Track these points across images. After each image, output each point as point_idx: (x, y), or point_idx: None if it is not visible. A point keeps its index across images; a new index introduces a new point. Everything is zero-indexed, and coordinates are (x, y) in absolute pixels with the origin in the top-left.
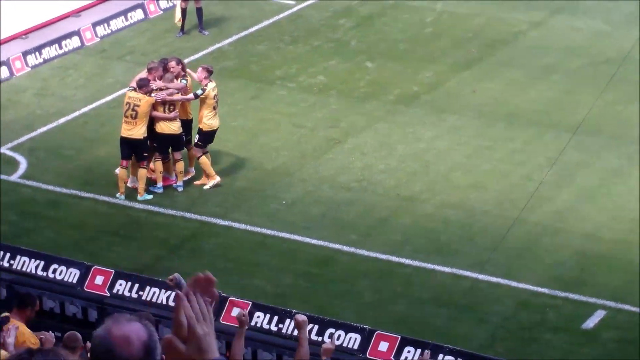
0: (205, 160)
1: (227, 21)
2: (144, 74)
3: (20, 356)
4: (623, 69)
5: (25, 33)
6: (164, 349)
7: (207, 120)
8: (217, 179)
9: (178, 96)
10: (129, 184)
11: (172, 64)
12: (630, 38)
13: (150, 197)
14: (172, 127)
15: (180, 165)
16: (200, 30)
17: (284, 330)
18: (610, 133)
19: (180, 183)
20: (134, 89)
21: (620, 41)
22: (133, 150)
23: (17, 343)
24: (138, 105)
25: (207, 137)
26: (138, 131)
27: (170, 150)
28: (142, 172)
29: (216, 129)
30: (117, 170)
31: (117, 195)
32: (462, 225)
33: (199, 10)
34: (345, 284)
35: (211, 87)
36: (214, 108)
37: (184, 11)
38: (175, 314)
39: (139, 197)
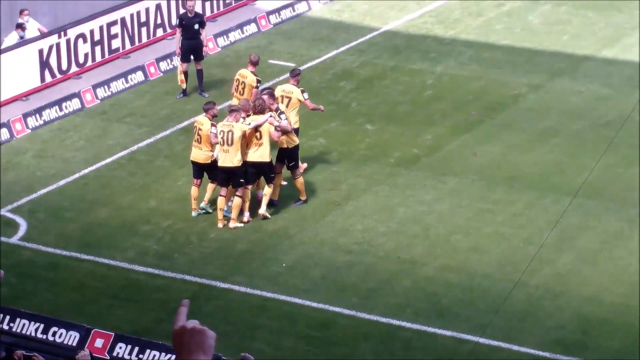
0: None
1: (227, 83)
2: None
3: None
4: (623, 132)
5: (26, 95)
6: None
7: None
8: (240, 225)
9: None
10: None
11: (265, 97)
12: (630, 101)
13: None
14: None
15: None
16: (201, 92)
17: None
18: (610, 196)
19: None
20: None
21: (620, 104)
22: (205, 174)
23: None
24: (200, 129)
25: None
26: (205, 154)
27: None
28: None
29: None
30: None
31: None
32: (463, 289)
33: (200, 72)
34: (345, 347)
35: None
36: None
37: (185, 73)
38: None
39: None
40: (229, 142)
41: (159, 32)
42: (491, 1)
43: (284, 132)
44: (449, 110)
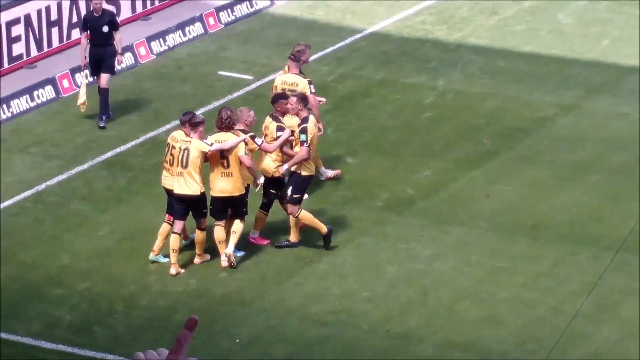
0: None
1: (164, 102)
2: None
3: None
4: None
5: None
6: None
7: None
8: (207, 257)
9: None
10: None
11: (294, 100)
12: None
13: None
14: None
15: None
16: (101, 117)
17: None
18: None
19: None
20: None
21: None
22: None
23: None
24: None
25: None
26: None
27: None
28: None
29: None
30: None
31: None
32: None
33: (105, 91)
34: None
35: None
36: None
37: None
38: None
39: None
40: (184, 164)
41: (75, 35)
42: None
43: (301, 160)
44: (454, 137)
